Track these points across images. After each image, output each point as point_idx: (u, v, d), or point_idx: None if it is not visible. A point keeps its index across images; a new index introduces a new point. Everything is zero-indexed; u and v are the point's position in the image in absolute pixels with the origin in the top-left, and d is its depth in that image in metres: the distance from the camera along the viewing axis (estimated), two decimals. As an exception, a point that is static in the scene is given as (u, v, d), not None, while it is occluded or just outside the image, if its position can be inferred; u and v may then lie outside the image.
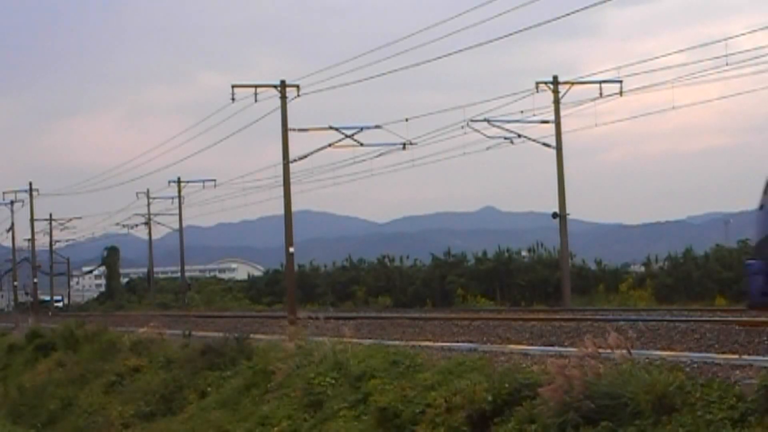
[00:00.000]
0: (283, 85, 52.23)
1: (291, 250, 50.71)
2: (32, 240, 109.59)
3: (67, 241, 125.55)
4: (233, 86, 52.44)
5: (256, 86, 52.71)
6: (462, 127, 57.23)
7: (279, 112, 52.17)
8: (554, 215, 59.75)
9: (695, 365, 19.00)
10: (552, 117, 58.30)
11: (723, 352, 21.14)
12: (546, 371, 18.49)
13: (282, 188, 52.19)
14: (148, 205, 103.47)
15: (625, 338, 18.39)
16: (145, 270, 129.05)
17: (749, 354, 20.64)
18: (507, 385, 19.30)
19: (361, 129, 55.85)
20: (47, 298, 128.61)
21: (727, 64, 44.26)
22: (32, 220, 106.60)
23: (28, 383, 50.89)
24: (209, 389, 33.82)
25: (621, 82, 56.02)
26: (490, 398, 19.32)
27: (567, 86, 58.45)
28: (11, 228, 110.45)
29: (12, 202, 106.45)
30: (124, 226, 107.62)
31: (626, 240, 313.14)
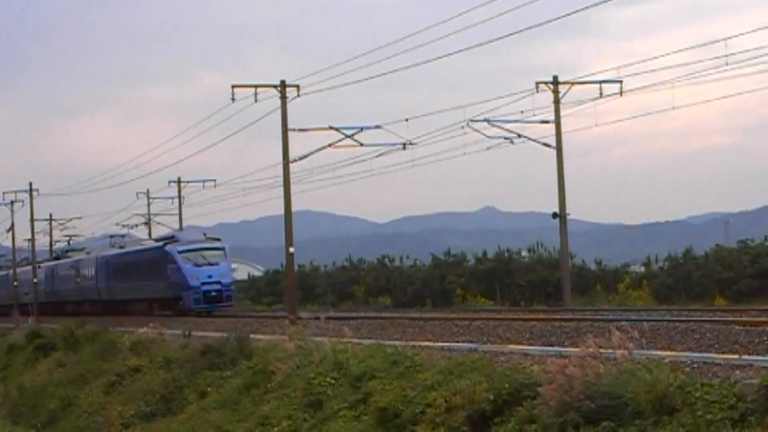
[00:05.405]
0: (283, 85, 52.22)
1: (291, 250, 50.71)
2: (32, 240, 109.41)
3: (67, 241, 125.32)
4: (233, 86, 52.40)
5: (256, 86, 52.68)
6: (462, 127, 57.06)
7: (279, 112, 52.17)
8: (554, 215, 59.67)
9: (695, 365, 19.00)
10: (552, 117, 58.24)
11: (723, 352, 21.14)
12: (546, 371, 18.48)
13: (282, 188, 52.24)
14: (148, 205, 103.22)
15: (629, 337, 18.40)
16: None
17: (749, 354, 20.64)
18: (507, 385, 19.29)
19: (361, 129, 55.76)
20: None
21: (726, 64, 44.20)
22: (32, 220, 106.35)
23: (28, 383, 50.84)
24: (209, 389, 33.80)
25: (621, 82, 55.88)
26: (490, 398, 19.32)
27: (567, 86, 58.36)
28: (11, 228, 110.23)
29: (12, 202, 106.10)
30: (124, 226, 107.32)
31: (626, 240, 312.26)
